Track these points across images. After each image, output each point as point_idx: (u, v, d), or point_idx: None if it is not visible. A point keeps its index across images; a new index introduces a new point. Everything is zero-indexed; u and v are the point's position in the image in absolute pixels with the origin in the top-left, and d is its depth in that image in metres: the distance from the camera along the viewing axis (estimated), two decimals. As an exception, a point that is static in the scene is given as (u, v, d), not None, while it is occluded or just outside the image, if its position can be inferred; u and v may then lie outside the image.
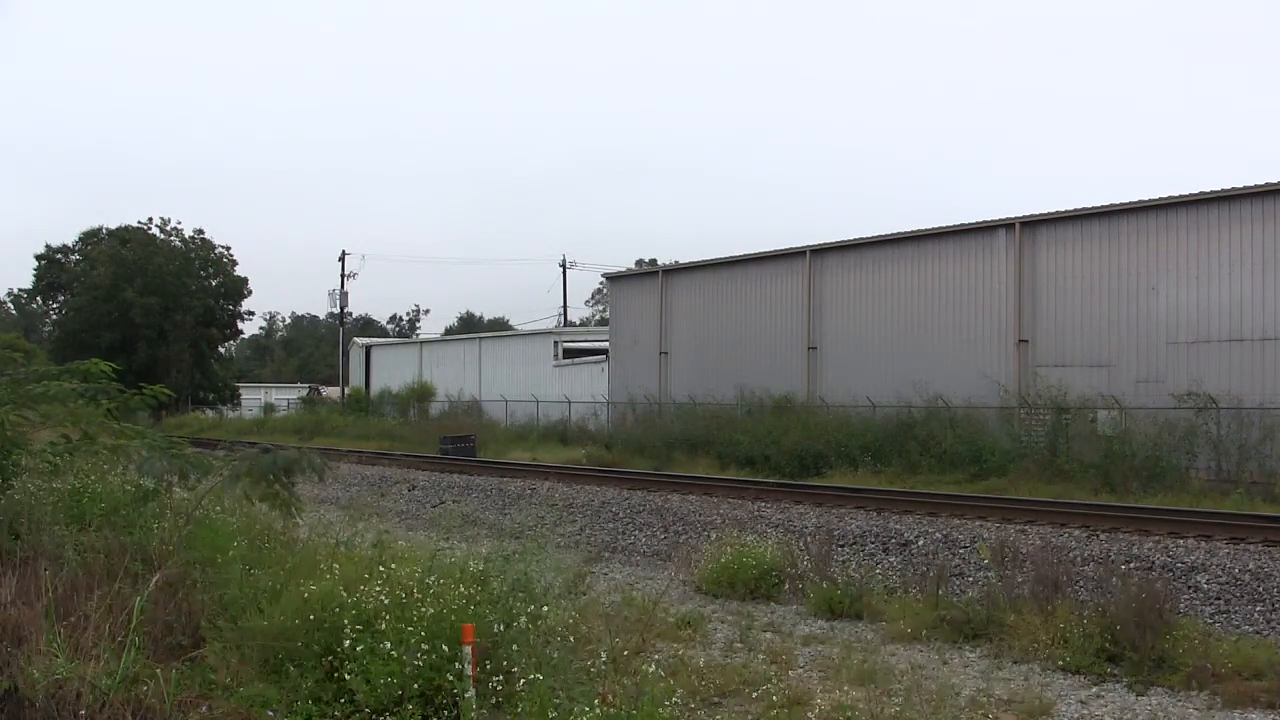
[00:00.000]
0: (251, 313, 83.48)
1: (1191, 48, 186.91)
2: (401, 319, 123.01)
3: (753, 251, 36.21)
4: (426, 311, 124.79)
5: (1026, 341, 27.48)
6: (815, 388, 32.37)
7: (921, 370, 28.66)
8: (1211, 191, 24.35)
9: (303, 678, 6.30)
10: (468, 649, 6.05)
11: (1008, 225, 28.18)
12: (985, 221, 28.99)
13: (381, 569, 7.10)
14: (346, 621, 6.35)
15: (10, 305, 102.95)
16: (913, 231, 30.82)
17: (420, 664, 6.13)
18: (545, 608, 7.01)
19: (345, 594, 6.70)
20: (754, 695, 7.79)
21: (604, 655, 6.54)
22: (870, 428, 26.38)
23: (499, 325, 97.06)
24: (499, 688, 6.09)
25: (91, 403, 10.11)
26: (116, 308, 67.13)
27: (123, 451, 9.84)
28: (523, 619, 6.73)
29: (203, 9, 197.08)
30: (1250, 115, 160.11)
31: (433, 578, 6.90)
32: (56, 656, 5.96)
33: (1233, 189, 23.94)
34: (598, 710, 5.59)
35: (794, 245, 34.46)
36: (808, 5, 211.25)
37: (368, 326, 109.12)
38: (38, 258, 75.44)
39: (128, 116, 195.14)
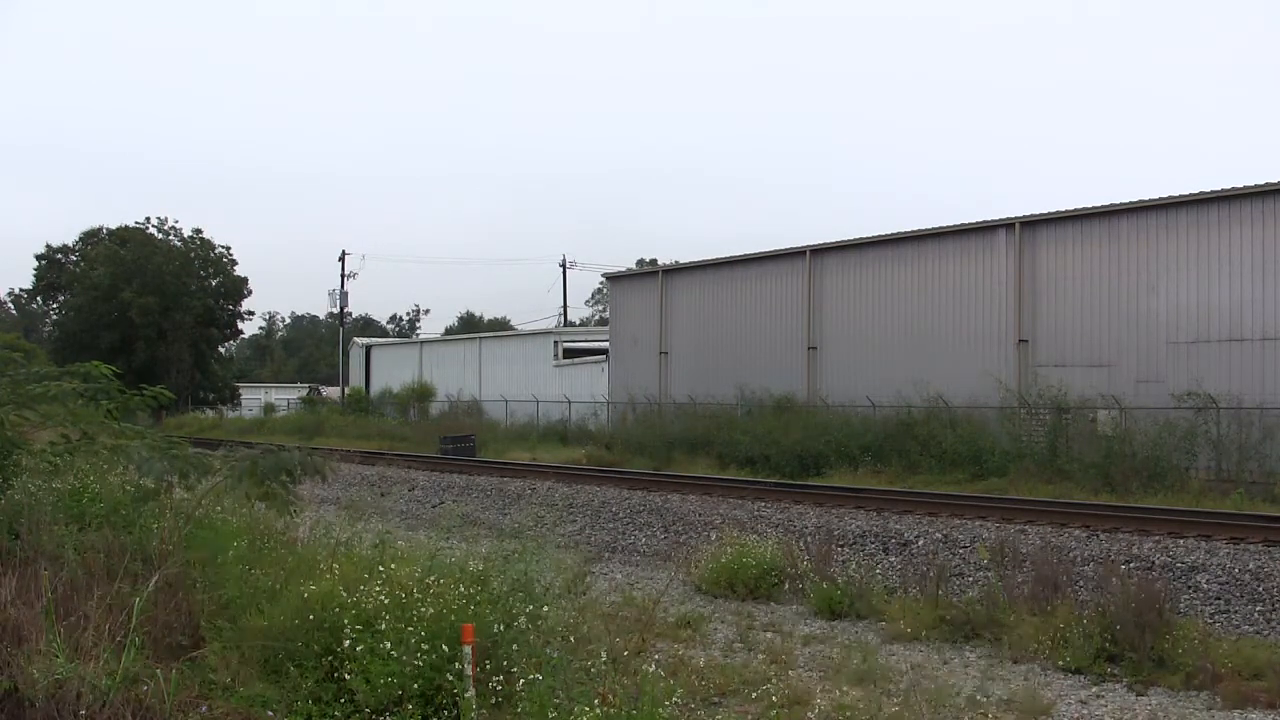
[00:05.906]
0: (251, 313, 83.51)
1: (1192, 47, 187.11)
2: (401, 319, 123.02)
3: (753, 251, 36.19)
4: (426, 311, 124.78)
5: (1026, 341, 27.48)
6: (815, 387, 32.37)
7: (921, 370, 28.65)
8: (1211, 191, 24.34)
9: (303, 678, 6.31)
10: (468, 649, 6.05)
11: (1008, 225, 28.18)
12: (985, 221, 28.99)
13: (381, 569, 7.10)
14: (346, 622, 6.35)
15: (10, 305, 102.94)
16: (913, 231, 30.81)
17: (420, 664, 6.13)
18: (545, 608, 7.01)
19: (345, 594, 6.70)
20: (754, 695, 7.78)
21: (604, 655, 6.53)
22: (870, 427, 26.39)
23: (499, 325, 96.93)
24: (499, 688, 6.09)
25: (91, 403, 10.11)
26: (115, 308, 67.09)
27: (122, 452, 9.84)
28: (522, 619, 6.73)
29: (204, 8, 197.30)
30: (1251, 115, 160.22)
31: (432, 578, 6.90)
32: (56, 656, 5.95)
33: (1233, 189, 23.93)
34: (598, 710, 5.59)
35: (794, 245, 34.49)
36: (809, 6, 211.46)
37: (368, 326, 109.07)
38: (38, 258, 75.68)
39: (128, 116, 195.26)
